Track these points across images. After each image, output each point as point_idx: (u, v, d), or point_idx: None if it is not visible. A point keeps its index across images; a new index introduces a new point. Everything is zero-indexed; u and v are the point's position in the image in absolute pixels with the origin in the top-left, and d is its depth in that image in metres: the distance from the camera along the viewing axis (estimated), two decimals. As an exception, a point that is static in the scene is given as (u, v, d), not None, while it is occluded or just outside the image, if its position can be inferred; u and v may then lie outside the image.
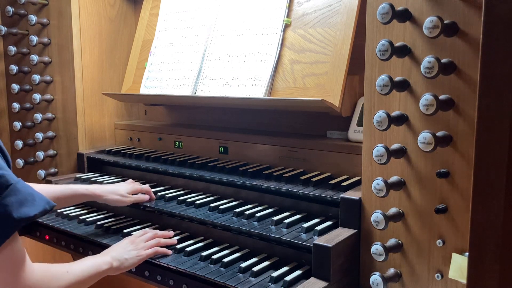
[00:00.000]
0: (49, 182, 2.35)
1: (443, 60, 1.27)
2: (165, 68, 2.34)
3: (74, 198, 1.88)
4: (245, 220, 1.73)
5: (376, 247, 1.38)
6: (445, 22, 1.25)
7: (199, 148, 2.30)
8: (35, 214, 1.15)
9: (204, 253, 1.66)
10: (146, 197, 1.98)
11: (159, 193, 2.05)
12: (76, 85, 2.47)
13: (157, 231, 1.81)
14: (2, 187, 1.10)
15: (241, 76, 2.02)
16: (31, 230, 2.16)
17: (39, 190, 1.76)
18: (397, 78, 1.36)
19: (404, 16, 1.34)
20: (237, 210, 1.79)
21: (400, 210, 1.43)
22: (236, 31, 2.10)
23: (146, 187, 2.04)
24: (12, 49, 2.53)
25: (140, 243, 1.68)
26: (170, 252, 1.70)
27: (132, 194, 1.97)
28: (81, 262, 1.47)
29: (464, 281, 1.29)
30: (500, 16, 0.78)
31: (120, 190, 1.94)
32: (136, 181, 2.19)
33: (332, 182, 1.73)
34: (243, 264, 1.57)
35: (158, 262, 1.66)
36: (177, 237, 1.82)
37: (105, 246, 1.85)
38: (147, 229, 1.84)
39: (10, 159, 1.20)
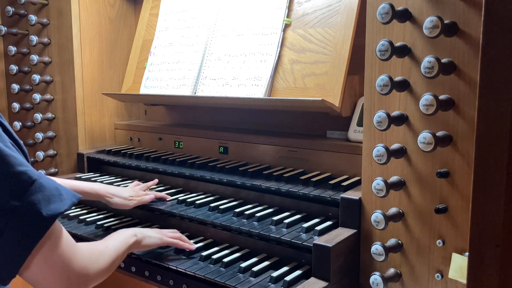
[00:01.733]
0: (49, 182, 2.35)
1: (443, 60, 1.27)
2: (165, 68, 2.34)
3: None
4: (245, 220, 1.73)
5: (376, 247, 1.38)
6: (445, 22, 1.25)
7: (199, 148, 2.30)
8: (65, 209, 1.09)
9: (204, 253, 1.66)
10: (149, 197, 1.96)
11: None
12: (76, 85, 2.47)
13: (177, 231, 1.80)
14: (26, 184, 1.03)
15: (241, 76, 2.02)
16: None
17: None
18: (397, 78, 1.36)
19: (404, 16, 1.34)
20: (237, 210, 1.79)
21: (400, 210, 1.43)
22: (236, 31, 2.10)
23: (152, 195, 2.01)
24: (12, 49, 2.53)
25: (163, 231, 1.70)
26: (193, 247, 1.68)
27: None
28: (112, 239, 1.45)
29: (464, 281, 1.29)
30: (500, 16, 0.78)
31: (124, 194, 1.92)
32: (141, 182, 2.19)
33: (332, 182, 1.73)
34: (243, 264, 1.57)
35: (158, 262, 1.66)
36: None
37: (105, 246, 1.85)
38: (170, 230, 1.80)
39: (27, 152, 1.14)
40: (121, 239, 1.47)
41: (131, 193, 1.94)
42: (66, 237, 1.14)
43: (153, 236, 1.62)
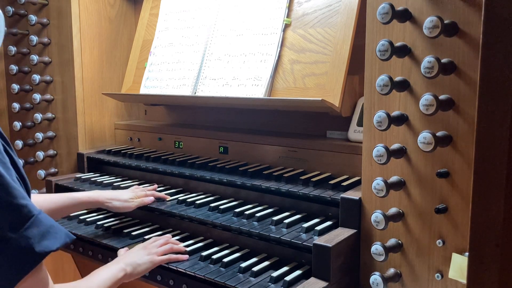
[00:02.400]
0: (49, 182, 2.35)
1: (443, 60, 1.27)
2: (165, 68, 2.34)
3: (77, 206, 1.87)
4: (245, 220, 1.73)
5: (376, 247, 1.38)
6: (445, 22, 1.25)
7: (199, 148, 2.30)
8: (57, 247, 1.09)
9: (204, 253, 1.66)
10: (149, 199, 1.95)
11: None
12: (76, 85, 2.47)
13: (169, 236, 1.79)
14: (25, 217, 1.04)
15: (241, 76, 2.02)
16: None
17: (44, 200, 1.77)
18: (397, 78, 1.36)
19: (404, 16, 1.34)
20: (237, 210, 1.79)
21: (400, 210, 1.43)
22: (236, 31, 2.10)
23: (151, 192, 2.01)
24: (12, 49, 2.53)
25: (152, 248, 1.65)
26: (185, 257, 1.65)
27: None
28: (98, 275, 1.43)
29: (464, 281, 1.29)
30: (500, 16, 0.78)
31: (123, 196, 1.91)
32: (142, 183, 2.18)
33: (332, 182, 1.73)
34: (243, 264, 1.57)
35: (158, 262, 1.66)
36: (177, 237, 1.82)
37: (104, 247, 1.85)
38: (162, 237, 1.79)
39: (30, 187, 1.16)
40: (108, 276, 1.44)
41: (131, 195, 1.93)
42: (50, 280, 1.15)
43: (142, 262, 1.58)
